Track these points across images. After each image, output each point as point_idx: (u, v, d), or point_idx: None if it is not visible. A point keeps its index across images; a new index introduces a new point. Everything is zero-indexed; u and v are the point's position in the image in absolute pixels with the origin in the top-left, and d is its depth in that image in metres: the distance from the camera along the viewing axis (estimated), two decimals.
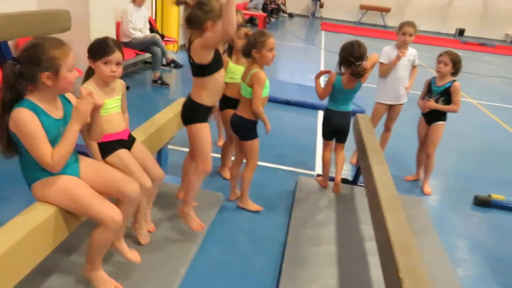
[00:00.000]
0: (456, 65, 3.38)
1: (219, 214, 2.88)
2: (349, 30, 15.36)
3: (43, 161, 1.72)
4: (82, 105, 1.77)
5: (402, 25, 3.64)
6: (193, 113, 2.40)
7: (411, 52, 3.74)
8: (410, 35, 3.60)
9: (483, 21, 18.89)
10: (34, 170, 1.81)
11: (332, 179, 3.56)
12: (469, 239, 3.07)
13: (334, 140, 3.31)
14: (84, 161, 2.00)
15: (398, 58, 3.58)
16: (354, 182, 3.52)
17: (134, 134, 2.62)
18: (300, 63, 9.14)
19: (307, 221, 2.88)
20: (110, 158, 2.21)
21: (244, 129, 2.84)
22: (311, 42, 12.11)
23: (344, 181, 3.58)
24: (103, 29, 4.47)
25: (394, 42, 3.74)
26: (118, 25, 5.62)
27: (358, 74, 2.97)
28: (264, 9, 14.64)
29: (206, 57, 2.26)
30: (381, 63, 3.70)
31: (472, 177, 4.14)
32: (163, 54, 5.93)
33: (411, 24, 3.62)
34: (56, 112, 1.81)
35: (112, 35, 4.77)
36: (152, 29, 6.33)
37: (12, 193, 2.79)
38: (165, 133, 2.96)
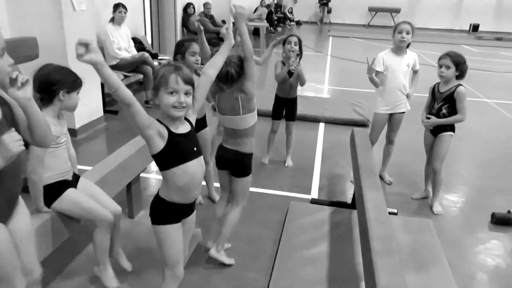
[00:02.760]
0: (460, 67, 2.98)
1: (194, 255, 2.54)
2: (357, 34, 14.96)
3: None
4: (9, 140, 1.33)
5: (397, 25, 3.31)
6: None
7: (410, 56, 3.37)
8: (408, 32, 3.23)
9: (498, 14, 18.19)
10: None
11: (322, 203, 3.20)
12: (485, 269, 2.64)
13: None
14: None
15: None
16: (353, 205, 3.14)
17: (90, 172, 2.36)
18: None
19: (294, 258, 2.51)
20: (58, 203, 1.95)
21: (246, 165, 2.41)
22: (318, 49, 11.75)
23: (343, 204, 3.21)
24: None
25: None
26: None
27: None
28: (269, 18, 14.37)
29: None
30: (376, 71, 3.35)
31: (491, 190, 3.69)
32: (154, 71, 5.68)
33: (407, 22, 3.28)
34: None
35: None
36: (143, 48, 6.13)
37: None
38: (133, 166, 2.67)
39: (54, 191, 1.96)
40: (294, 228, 2.83)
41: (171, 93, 1.61)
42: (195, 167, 1.72)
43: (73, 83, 1.94)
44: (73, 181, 2.05)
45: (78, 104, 2.02)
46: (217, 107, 2.41)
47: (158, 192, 1.78)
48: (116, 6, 5.42)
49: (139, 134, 1.62)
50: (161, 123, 1.64)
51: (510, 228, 3.08)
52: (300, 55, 3.61)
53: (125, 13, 5.44)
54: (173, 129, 1.65)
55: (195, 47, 2.68)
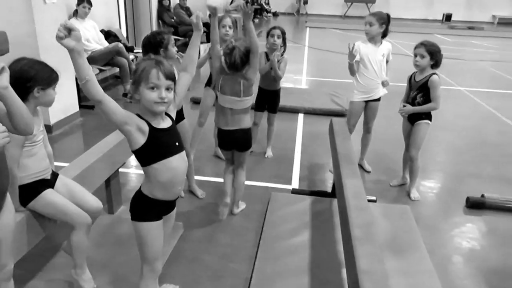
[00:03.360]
0: (434, 56, 3.04)
1: (176, 248, 2.54)
2: (334, 25, 15.05)
3: None
4: None
5: (366, 17, 3.40)
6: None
7: (385, 46, 3.42)
8: (371, 24, 3.30)
9: (469, 4, 18.61)
10: None
11: (303, 192, 3.24)
12: (461, 251, 2.73)
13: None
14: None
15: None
16: (333, 194, 3.18)
17: (67, 169, 2.31)
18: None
19: (277, 248, 2.53)
20: (34, 204, 1.89)
21: (249, 139, 2.80)
22: (296, 40, 11.76)
23: (323, 193, 3.25)
24: (54, 47, 4.13)
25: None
26: None
27: None
28: None
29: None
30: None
31: (465, 175, 3.80)
32: (130, 63, 5.58)
33: (371, 13, 3.36)
34: None
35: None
36: (118, 42, 6.01)
37: None
38: (112, 161, 2.63)
39: (30, 191, 1.89)
40: (276, 218, 2.85)
41: (152, 88, 1.57)
42: (177, 162, 1.70)
43: (48, 78, 1.86)
44: (52, 180, 1.99)
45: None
46: (219, 86, 2.67)
47: (140, 188, 1.75)
48: (80, 0, 5.25)
49: (118, 130, 1.59)
50: (141, 118, 1.60)
51: (484, 211, 3.18)
52: (284, 47, 3.57)
53: (89, 8, 5.29)
54: (154, 124, 1.62)
55: (173, 38, 2.72)
